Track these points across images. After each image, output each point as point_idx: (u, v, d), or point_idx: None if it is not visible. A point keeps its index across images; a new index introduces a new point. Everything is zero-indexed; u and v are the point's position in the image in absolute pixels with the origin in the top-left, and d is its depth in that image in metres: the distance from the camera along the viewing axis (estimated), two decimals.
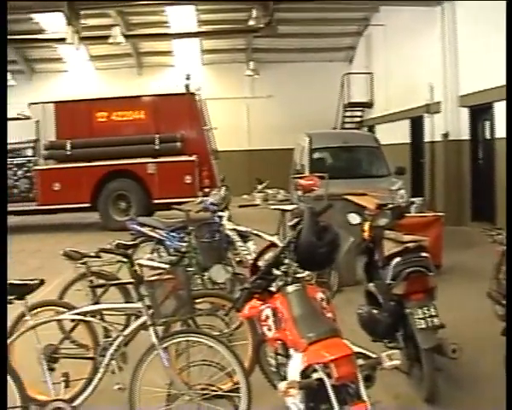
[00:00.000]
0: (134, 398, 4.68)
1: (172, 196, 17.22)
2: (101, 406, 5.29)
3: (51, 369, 4.90)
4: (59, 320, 5.84)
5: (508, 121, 6.24)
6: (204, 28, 25.65)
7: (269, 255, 4.47)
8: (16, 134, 18.74)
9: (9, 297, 4.67)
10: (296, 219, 4.57)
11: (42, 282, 4.80)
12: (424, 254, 5.91)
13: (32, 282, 4.74)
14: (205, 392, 4.79)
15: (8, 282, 4.65)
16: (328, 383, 3.50)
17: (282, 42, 26.59)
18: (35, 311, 5.17)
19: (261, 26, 22.65)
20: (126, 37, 24.12)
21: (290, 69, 28.09)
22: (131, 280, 5.42)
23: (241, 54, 28.67)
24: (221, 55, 28.61)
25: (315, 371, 3.59)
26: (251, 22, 23.45)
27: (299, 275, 4.33)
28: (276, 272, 4.27)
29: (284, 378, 3.94)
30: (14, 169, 18.80)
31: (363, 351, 3.73)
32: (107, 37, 23.54)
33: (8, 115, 19.06)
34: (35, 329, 4.78)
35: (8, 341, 4.97)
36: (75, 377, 5.08)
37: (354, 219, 6.93)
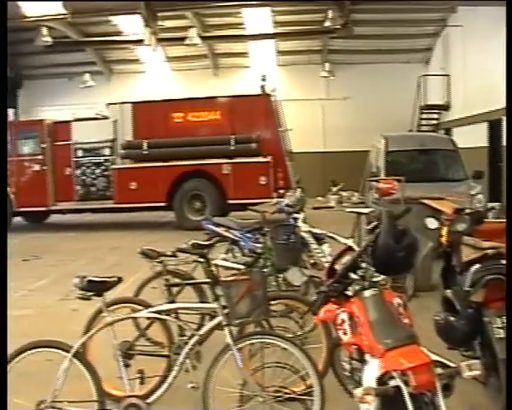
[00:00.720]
0: (208, 397, 4.70)
1: (247, 196, 17.29)
2: (175, 403, 5.32)
3: (127, 365, 4.95)
4: (135, 318, 5.91)
5: (508, 123, 6.11)
6: (279, 29, 25.70)
7: (346, 259, 4.42)
8: (94, 133, 19.20)
9: (88, 293, 4.74)
10: (374, 223, 4.50)
11: (120, 280, 4.86)
12: (504, 262, 5.74)
13: (110, 279, 4.80)
14: (278, 394, 4.77)
15: (88, 278, 4.72)
16: (405, 391, 3.43)
17: (357, 43, 26.39)
18: (112, 307, 5.24)
19: (337, 27, 22.55)
20: (202, 38, 24.39)
21: (366, 71, 27.86)
22: (207, 280, 5.45)
23: (317, 55, 28.59)
24: (296, 56, 28.59)
25: (392, 378, 3.53)
26: (327, 23, 23.34)
27: (375, 279, 4.27)
28: (352, 275, 4.21)
29: (358, 383, 3.89)
30: (93, 168, 19.23)
31: (442, 360, 3.65)
32: (183, 38, 23.85)
33: (87, 115, 19.68)
34: (112, 325, 4.84)
35: (86, 336, 5.06)
36: (149, 374, 5.13)
37: (432, 223, 6.82)
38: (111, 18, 24.84)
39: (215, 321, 4.91)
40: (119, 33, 26.14)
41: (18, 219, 20.73)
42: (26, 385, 4.68)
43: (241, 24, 25.63)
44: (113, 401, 5.00)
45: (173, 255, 6.32)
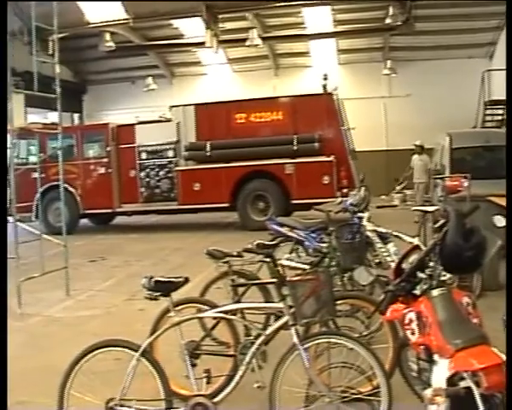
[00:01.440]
0: (274, 397, 4.69)
1: (310, 196, 17.25)
2: (240, 403, 5.33)
3: (193, 365, 4.98)
4: (202, 318, 5.96)
5: (508, 122, 5.95)
6: (340, 28, 25.55)
7: (413, 258, 4.36)
8: (158, 136, 19.44)
9: (155, 294, 4.79)
10: (441, 221, 4.43)
11: (187, 280, 4.89)
12: None
13: (177, 280, 4.84)
14: (345, 394, 4.74)
15: (155, 279, 4.77)
16: (476, 392, 3.37)
17: (419, 39, 26.02)
18: (178, 307, 5.28)
19: (398, 23, 22.33)
20: (263, 39, 24.45)
21: (428, 67, 27.42)
22: (273, 280, 5.45)
23: (378, 53, 28.32)
24: (357, 54, 28.39)
25: (462, 379, 3.46)
26: (388, 20, 23.11)
27: (442, 278, 4.20)
28: (420, 274, 4.16)
29: (425, 384, 3.83)
30: (157, 170, 19.47)
31: None
32: (244, 39, 23.95)
33: (150, 118, 19.93)
34: (179, 325, 4.88)
35: (154, 336, 5.12)
36: (214, 373, 5.15)
37: (500, 221, 6.68)
38: (172, 21, 25.10)
39: (282, 321, 4.91)
40: (180, 36, 26.40)
41: (84, 221, 21.15)
42: (95, 383, 4.75)
43: (301, 23, 25.58)
44: (179, 400, 5.04)
45: (239, 256, 6.34)
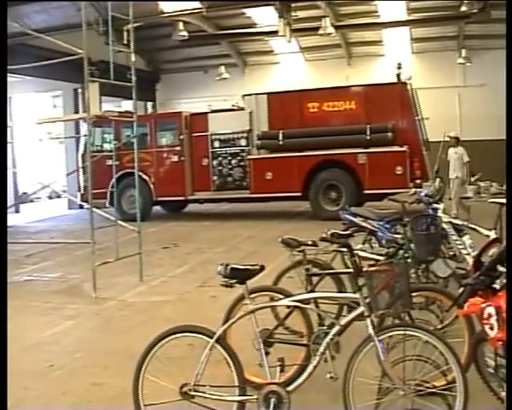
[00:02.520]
0: (348, 388, 4.65)
1: (383, 186, 17.09)
2: (311, 393, 5.32)
3: (266, 353, 4.99)
4: (276, 306, 5.96)
5: (508, 121, 5.74)
6: (414, 16, 25.11)
7: (493, 251, 4.27)
8: (231, 125, 19.55)
9: (231, 281, 4.82)
10: None
11: (262, 268, 4.90)
12: None
13: (252, 267, 4.86)
14: (419, 388, 4.66)
15: (231, 266, 4.80)
16: None
17: (495, 27, 25.26)
18: (253, 295, 5.30)
19: (474, 11, 21.80)
20: (336, 27, 24.22)
21: (504, 56, 26.65)
22: (348, 270, 5.40)
23: (453, 41, 27.71)
24: (431, 43, 27.83)
25: None
26: (463, 8, 22.59)
27: None
28: (500, 268, 4.07)
29: (503, 381, 3.75)
30: (229, 158, 19.59)
31: None
32: (317, 28, 23.77)
33: (223, 107, 20.06)
34: (254, 313, 4.90)
35: (229, 323, 5.15)
36: (285, 362, 5.13)
37: None
38: (245, 10, 25.12)
39: (357, 312, 4.86)
40: (253, 25, 26.40)
41: (157, 209, 21.46)
42: (169, 368, 4.81)
43: (374, 12, 25.24)
44: (252, 388, 5.05)
45: (314, 245, 6.32)
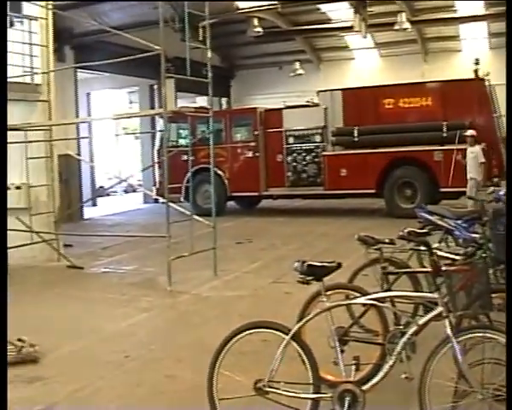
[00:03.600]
0: (424, 389, 4.56)
1: (459, 185, 16.69)
2: (386, 392, 5.23)
3: (341, 351, 4.94)
4: (353, 304, 5.90)
5: (508, 120, 5.48)
6: (492, 10, 24.51)
7: None
8: (305, 121, 19.50)
9: (308, 278, 4.78)
10: None
11: (339, 265, 4.85)
12: None
13: (329, 265, 4.81)
14: (498, 393, 4.52)
15: (308, 263, 4.76)
16: None
17: None
18: (328, 293, 5.25)
19: None
20: (412, 23, 23.90)
21: None
22: (426, 269, 5.30)
23: None
24: None
25: None
26: None
27: None
28: None
29: None
30: (304, 154, 19.55)
31: None
32: (392, 23, 23.51)
33: (298, 103, 20.03)
34: (330, 311, 4.85)
35: (305, 319, 5.11)
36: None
37: None
38: (320, 6, 25.03)
39: (435, 312, 4.76)
40: (328, 21, 26.28)
41: (231, 204, 21.58)
42: (243, 363, 4.83)
43: (451, 6, 24.80)
44: (326, 386, 5.01)
45: (391, 243, 6.23)
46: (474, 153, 16.51)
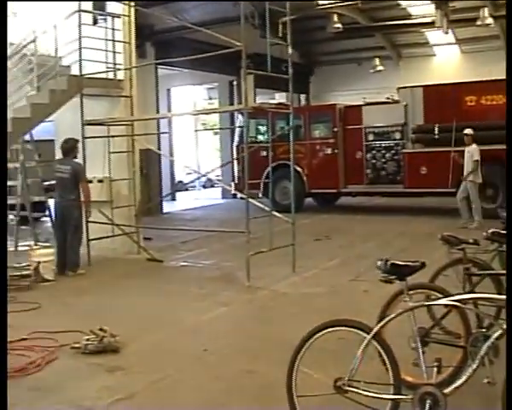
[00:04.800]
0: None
1: None
2: (466, 396, 5.11)
3: (422, 352, 4.86)
4: (436, 305, 5.79)
5: (508, 120, 5.17)
6: None
7: None
8: (385, 118, 19.30)
9: (391, 277, 4.72)
10: None
11: (423, 265, 4.77)
12: None
13: (413, 264, 4.74)
14: None
15: (391, 262, 4.70)
16: None
17: None
18: (410, 292, 5.16)
19: None
20: (494, 18, 23.32)
21: None
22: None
23: None
24: None
25: None
26: None
27: None
28: None
29: None
30: (383, 152, 19.37)
31: None
32: (474, 19, 23.02)
33: (377, 99, 19.84)
34: (412, 311, 4.78)
35: (387, 319, 5.03)
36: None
37: None
38: (400, 2, 24.71)
39: None
40: (408, 17, 25.91)
41: (309, 200, 21.55)
42: (322, 361, 4.80)
43: None
44: (405, 387, 4.93)
45: (475, 243, 6.10)
46: (470, 152, 16.09)
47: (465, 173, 16.11)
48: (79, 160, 12.40)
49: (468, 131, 16.31)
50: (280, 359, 5.13)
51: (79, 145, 12.30)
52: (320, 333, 4.74)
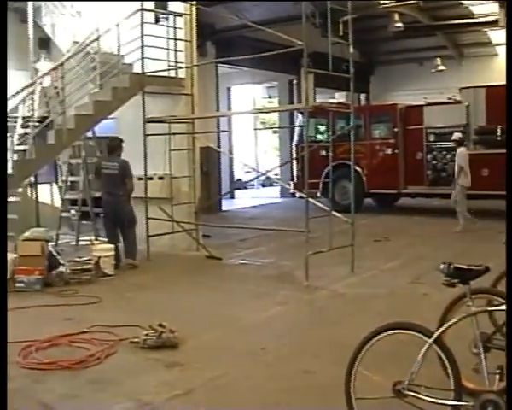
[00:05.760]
0: None
1: None
2: None
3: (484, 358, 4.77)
4: (497, 310, 5.67)
5: (508, 123, 4.93)
6: None
7: None
8: (446, 118, 19.03)
9: (453, 280, 4.65)
10: None
11: (487, 269, 4.69)
12: None
13: (477, 268, 4.66)
14: None
15: (454, 265, 4.63)
16: None
17: None
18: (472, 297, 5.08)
19: None
20: None
21: None
22: None
23: None
24: None
25: None
26: None
27: None
28: None
29: None
30: (444, 153, 19.10)
31: None
32: None
33: (438, 100, 19.56)
34: (475, 316, 4.69)
35: (449, 323, 4.94)
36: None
37: None
38: (462, 1, 24.32)
39: None
40: (471, 16, 25.47)
41: (368, 201, 21.39)
42: (380, 364, 4.75)
43: None
44: (465, 394, 4.84)
45: None
46: (458, 156, 15.97)
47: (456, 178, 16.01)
48: (140, 157, 12.64)
49: (455, 135, 16.31)
50: (337, 359, 5.11)
51: (124, 144, 12.52)
52: (381, 335, 4.69)
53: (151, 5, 13.48)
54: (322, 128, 21.42)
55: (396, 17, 23.88)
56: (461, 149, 16.10)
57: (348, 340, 5.04)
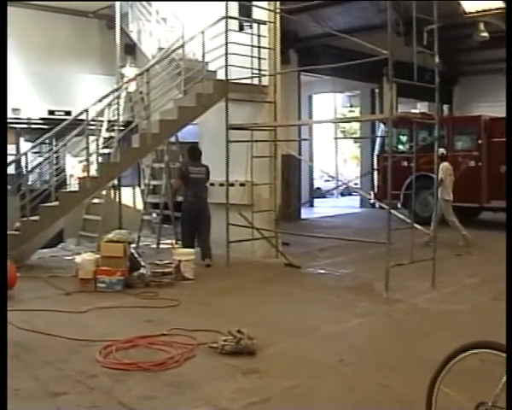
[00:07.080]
0: None
1: None
2: None
3: None
4: None
5: (508, 123, 4.55)
6: None
7: None
8: None
9: None
10: None
11: None
12: None
13: None
14: None
15: None
16: None
17: None
18: None
19: None
20: None
21: None
22: None
23: None
24: None
25: None
26: None
27: None
28: None
29: None
30: None
31: None
32: None
33: None
34: None
35: None
36: None
37: None
38: None
39: None
40: None
41: None
42: (461, 382, 4.63)
43: None
44: None
45: None
46: (440, 170, 15.19)
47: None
48: (222, 163, 12.85)
49: (440, 151, 15.47)
50: (417, 376, 5.03)
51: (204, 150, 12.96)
52: (465, 354, 4.59)
53: (235, 13, 13.61)
54: (403, 138, 21.16)
55: (481, 26, 23.39)
56: (444, 164, 15.73)
57: (428, 356, 4.99)
